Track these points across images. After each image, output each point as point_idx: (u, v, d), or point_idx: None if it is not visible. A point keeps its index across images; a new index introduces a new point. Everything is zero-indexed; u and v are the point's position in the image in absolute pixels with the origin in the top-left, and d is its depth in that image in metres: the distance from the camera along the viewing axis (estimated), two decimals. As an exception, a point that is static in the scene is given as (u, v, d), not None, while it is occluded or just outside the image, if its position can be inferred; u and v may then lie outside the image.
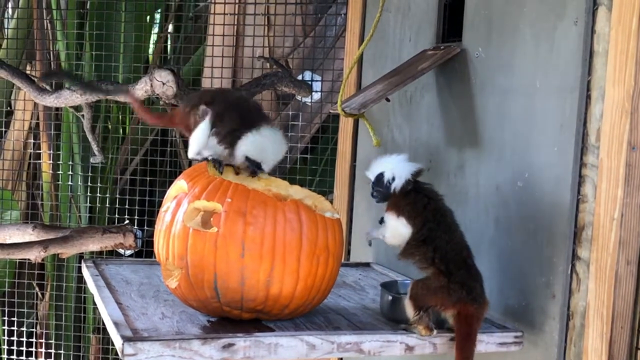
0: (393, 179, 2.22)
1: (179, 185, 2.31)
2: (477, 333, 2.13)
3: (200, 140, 2.35)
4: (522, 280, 2.33)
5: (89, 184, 4.73)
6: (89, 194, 4.76)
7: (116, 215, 4.69)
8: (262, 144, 2.37)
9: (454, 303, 2.11)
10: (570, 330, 2.18)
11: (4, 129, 4.90)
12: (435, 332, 2.15)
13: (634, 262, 2.03)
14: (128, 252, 4.33)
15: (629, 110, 1.98)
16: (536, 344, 2.27)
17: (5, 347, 4.82)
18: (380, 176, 2.24)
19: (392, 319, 2.28)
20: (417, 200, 2.20)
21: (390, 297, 2.31)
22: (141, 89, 2.97)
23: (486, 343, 2.24)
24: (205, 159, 2.37)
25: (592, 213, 2.10)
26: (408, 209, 2.20)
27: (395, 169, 2.23)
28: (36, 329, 4.98)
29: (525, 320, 2.31)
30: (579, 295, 2.15)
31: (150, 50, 5.29)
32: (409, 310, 2.15)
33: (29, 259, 3.28)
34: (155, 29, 5.35)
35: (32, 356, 4.90)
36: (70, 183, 4.78)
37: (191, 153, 2.39)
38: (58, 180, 4.82)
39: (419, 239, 2.17)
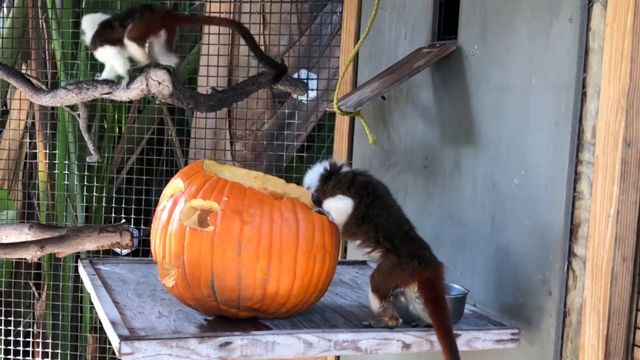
0: (310, 179, 2.36)
1: (176, 184, 2.31)
2: (444, 296, 2.15)
3: None
4: (518, 278, 2.33)
5: (85, 183, 4.72)
6: (85, 193, 4.75)
7: (112, 215, 4.69)
8: None
9: (410, 276, 2.14)
10: (566, 327, 2.18)
11: (-1, 129, 4.90)
12: (400, 320, 2.18)
13: (630, 259, 2.04)
14: (125, 252, 4.32)
15: (624, 107, 1.99)
16: (533, 341, 2.27)
17: (2, 346, 4.82)
18: (308, 188, 2.37)
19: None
20: (341, 177, 2.28)
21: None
22: (137, 88, 2.96)
23: (483, 340, 2.24)
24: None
25: (588, 210, 2.11)
26: (337, 186, 2.26)
27: (307, 178, 2.38)
28: (33, 328, 4.97)
29: (522, 317, 2.31)
30: (576, 292, 2.16)
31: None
32: (374, 303, 2.18)
33: (25, 259, 3.28)
34: (151, 28, 5.34)
35: (29, 356, 4.90)
36: (66, 182, 4.77)
37: None
38: (54, 180, 4.82)
39: (358, 215, 2.21)
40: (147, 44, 2.93)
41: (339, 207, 2.25)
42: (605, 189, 2.04)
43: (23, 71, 4.58)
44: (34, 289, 4.97)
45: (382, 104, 3.10)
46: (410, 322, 2.21)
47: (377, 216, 2.19)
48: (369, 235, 2.19)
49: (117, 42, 2.85)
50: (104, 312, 2.18)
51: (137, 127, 4.86)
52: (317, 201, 2.32)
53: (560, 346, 2.20)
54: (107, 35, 2.87)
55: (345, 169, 2.34)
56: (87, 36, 2.91)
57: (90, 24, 2.92)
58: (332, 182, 2.29)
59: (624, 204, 2.02)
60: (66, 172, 4.75)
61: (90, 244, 3.41)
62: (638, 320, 2.05)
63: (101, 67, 3.09)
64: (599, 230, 2.06)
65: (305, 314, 2.31)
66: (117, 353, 1.98)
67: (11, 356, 4.81)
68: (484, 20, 2.53)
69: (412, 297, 2.19)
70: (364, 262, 3.05)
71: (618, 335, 2.05)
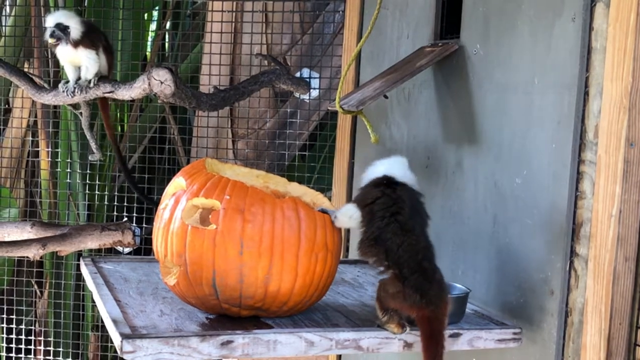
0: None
1: (177, 182, 2.31)
2: (442, 332, 2.11)
3: None
4: (520, 277, 2.33)
5: (87, 181, 4.73)
6: (87, 191, 4.75)
7: (114, 213, 4.69)
8: None
9: (410, 307, 2.11)
10: (568, 326, 2.18)
11: (1, 127, 4.90)
12: (407, 328, 2.15)
13: (632, 259, 2.03)
14: (127, 250, 4.33)
15: (627, 107, 1.99)
16: (534, 340, 2.27)
17: (4, 344, 4.82)
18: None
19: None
20: (371, 191, 2.23)
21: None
22: (139, 87, 2.97)
23: (485, 340, 2.24)
24: None
25: (590, 210, 2.11)
26: (360, 197, 2.25)
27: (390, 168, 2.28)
28: (35, 326, 4.98)
29: (524, 316, 2.31)
30: (577, 291, 2.15)
31: (148, 48, 5.29)
32: (378, 312, 2.16)
33: (27, 257, 3.28)
34: (153, 26, 5.35)
35: (30, 354, 4.90)
36: (68, 181, 4.77)
37: None
38: (56, 178, 4.82)
39: (370, 237, 2.18)
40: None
41: (349, 213, 2.24)
42: (607, 189, 2.04)
43: (25, 70, 4.59)
44: (36, 287, 4.98)
45: (384, 103, 3.10)
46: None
47: (389, 240, 2.14)
48: (379, 257, 2.16)
49: None
50: (105, 310, 2.19)
51: (139, 126, 4.87)
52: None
53: (562, 346, 2.19)
54: None
55: (403, 179, 2.26)
56: None
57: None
58: (364, 189, 2.27)
59: (626, 203, 2.01)
60: (68, 170, 4.75)
61: (92, 242, 3.41)
62: (640, 320, 2.05)
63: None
64: (601, 229, 2.05)
65: (307, 312, 2.31)
66: (118, 351, 1.98)
67: (13, 354, 4.82)
68: (487, 20, 2.53)
69: None
70: (365, 262, 3.05)
71: (620, 334, 2.05)
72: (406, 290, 2.10)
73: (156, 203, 3.42)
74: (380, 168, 2.29)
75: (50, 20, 3.10)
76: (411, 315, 2.13)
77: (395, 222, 2.15)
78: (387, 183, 2.23)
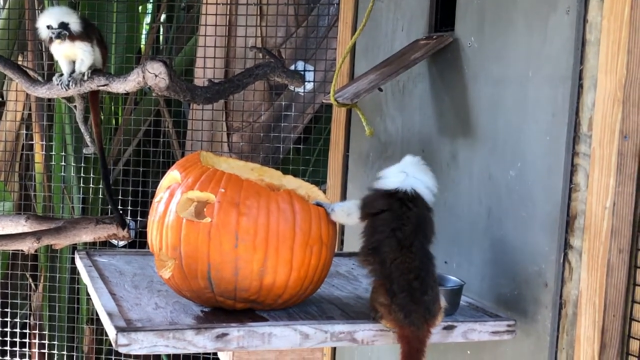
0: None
1: (172, 175, 2.31)
2: (422, 350, 2.10)
3: None
4: (514, 269, 2.34)
5: (81, 174, 4.72)
6: (81, 184, 4.75)
7: (109, 206, 4.68)
8: None
9: (393, 322, 2.11)
10: (562, 318, 2.19)
11: (-4, 120, 4.89)
12: None
13: (626, 251, 2.04)
14: (121, 243, 4.33)
15: (621, 99, 1.99)
16: (529, 332, 2.28)
17: (-1, 338, 4.83)
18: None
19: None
20: (378, 200, 2.20)
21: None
22: (134, 81, 2.96)
23: (479, 332, 2.25)
24: None
25: (584, 202, 2.11)
26: (367, 202, 2.22)
27: (417, 178, 2.23)
28: (30, 320, 4.98)
29: (518, 309, 2.31)
30: (572, 284, 2.16)
31: (143, 41, 5.28)
32: (371, 308, 2.17)
33: (22, 250, 3.28)
34: (148, 19, 5.34)
35: (25, 347, 4.90)
36: (63, 174, 4.77)
37: None
38: (51, 171, 4.82)
39: (369, 247, 2.17)
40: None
41: (350, 211, 2.25)
42: (601, 181, 2.04)
43: (19, 63, 4.58)
44: (30, 280, 4.97)
45: (379, 95, 3.10)
46: None
47: (385, 254, 2.14)
48: (374, 267, 2.16)
49: None
50: (100, 303, 2.19)
51: (133, 119, 4.86)
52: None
53: (556, 338, 2.20)
54: None
55: (419, 188, 2.22)
56: None
57: None
58: (375, 195, 2.23)
59: (620, 195, 2.02)
60: (63, 163, 4.74)
61: (87, 235, 3.42)
62: (634, 312, 2.06)
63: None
64: (595, 222, 2.06)
65: (302, 305, 2.31)
66: (113, 344, 1.98)
67: (8, 347, 4.82)
68: (481, 12, 2.53)
69: None
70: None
71: (614, 326, 2.05)
72: (392, 307, 2.10)
73: (121, 216, 3.46)
74: (399, 177, 2.22)
75: (50, 20, 3.08)
76: (393, 329, 2.13)
77: (394, 238, 2.14)
78: (399, 198, 2.19)
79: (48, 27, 3.08)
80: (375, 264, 2.16)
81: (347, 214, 2.25)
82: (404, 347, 2.11)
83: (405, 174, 2.23)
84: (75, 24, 3.09)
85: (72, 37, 3.09)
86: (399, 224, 2.15)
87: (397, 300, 2.09)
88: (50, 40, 3.10)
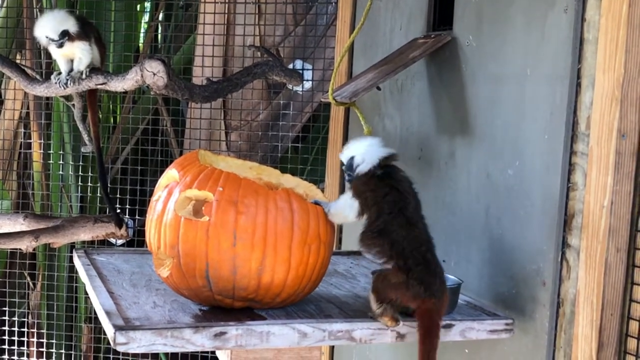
0: (362, 162, 2.23)
1: (170, 174, 2.31)
2: (440, 325, 2.13)
3: None
4: (512, 268, 2.34)
5: (80, 173, 4.72)
6: (80, 183, 4.75)
7: (107, 205, 4.67)
8: None
9: (413, 298, 2.11)
10: (560, 317, 2.19)
11: (-6, 119, 4.89)
12: (401, 322, 2.16)
13: (624, 250, 2.04)
14: (119, 242, 4.33)
15: (618, 98, 1.99)
16: (527, 331, 2.28)
17: (-3, 337, 4.82)
18: (351, 160, 2.25)
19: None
20: (379, 187, 2.20)
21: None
22: (132, 79, 2.97)
23: (477, 330, 2.25)
24: None
25: (582, 201, 2.11)
26: (367, 195, 2.21)
27: (366, 153, 2.24)
28: (28, 318, 4.97)
29: (516, 307, 2.32)
30: (569, 282, 2.16)
31: (141, 39, 5.28)
32: (373, 304, 2.16)
33: (20, 249, 3.28)
34: (146, 18, 5.34)
35: (23, 346, 4.90)
36: (61, 172, 4.77)
37: None
38: (49, 170, 4.81)
39: (374, 230, 2.17)
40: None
41: (345, 212, 2.24)
42: (599, 180, 2.04)
43: (17, 61, 4.57)
44: (28, 279, 4.97)
45: (377, 94, 3.10)
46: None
47: (395, 232, 2.14)
48: (384, 249, 2.16)
49: None
50: (98, 302, 2.19)
51: (132, 118, 4.86)
52: (350, 181, 2.27)
53: (554, 336, 2.20)
54: None
55: (392, 162, 2.24)
56: None
57: None
58: (369, 183, 2.22)
59: (617, 194, 2.02)
60: (61, 162, 4.74)
61: (85, 234, 3.42)
62: (631, 311, 2.06)
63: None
64: (592, 221, 2.06)
65: (300, 304, 2.31)
66: (112, 343, 1.98)
67: (6, 346, 4.82)
68: (479, 11, 2.53)
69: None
70: (358, 253, 3.05)
71: (611, 325, 2.05)
72: (410, 282, 2.10)
73: (117, 215, 3.47)
74: (360, 151, 2.24)
75: (49, 32, 3.06)
76: (412, 306, 2.13)
77: (403, 216, 2.16)
78: (385, 174, 2.21)
79: (47, 37, 3.06)
80: (384, 245, 2.15)
81: (344, 215, 2.25)
82: (425, 322, 2.11)
83: (369, 149, 2.25)
84: (73, 27, 3.08)
85: (72, 39, 3.09)
86: (405, 203, 2.17)
87: (414, 275, 2.10)
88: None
